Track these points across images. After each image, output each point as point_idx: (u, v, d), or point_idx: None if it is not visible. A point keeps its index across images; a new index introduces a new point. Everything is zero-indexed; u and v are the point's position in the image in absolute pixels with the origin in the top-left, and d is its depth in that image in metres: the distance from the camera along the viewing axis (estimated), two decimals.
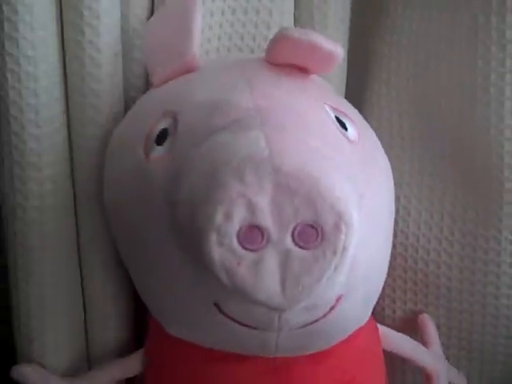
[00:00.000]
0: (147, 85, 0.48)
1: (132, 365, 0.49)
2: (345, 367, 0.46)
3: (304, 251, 0.33)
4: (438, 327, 0.55)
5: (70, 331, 0.50)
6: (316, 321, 0.39)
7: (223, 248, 0.33)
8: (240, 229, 0.33)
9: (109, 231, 0.47)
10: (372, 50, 0.52)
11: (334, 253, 0.33)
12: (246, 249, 0.33)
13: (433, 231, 0.53)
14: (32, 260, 0.47)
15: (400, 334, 0.52)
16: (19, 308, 0.48)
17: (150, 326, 0.48)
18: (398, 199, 0.52)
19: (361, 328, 0.45)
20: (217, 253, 0.33)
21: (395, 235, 0.53)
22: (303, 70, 0.42)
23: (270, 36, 0.42)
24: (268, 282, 0.34)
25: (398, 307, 0.56)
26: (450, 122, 0.50)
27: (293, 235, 0.33)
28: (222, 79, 0.41)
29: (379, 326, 0.51)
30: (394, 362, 0.56)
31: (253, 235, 0.33)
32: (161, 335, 0.46)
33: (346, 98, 0.48)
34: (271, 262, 0.33)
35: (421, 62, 0.49)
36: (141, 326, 0.53)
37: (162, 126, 0.40)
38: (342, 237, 0.33)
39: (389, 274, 0.54)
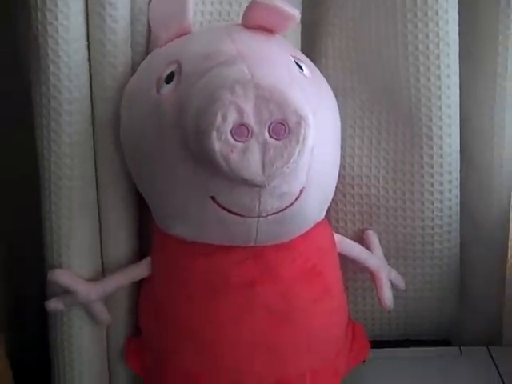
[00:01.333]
0: (146, 52, 0.61)
1: (141, 269, 0.62)
2: (307, 256, 0.60)
3: (277, 141, 0.48)
4: (380, 241, 0.69)
5: (90, 246, 0.63)
6: (286, 208, 0.53)
7: (221, 142, 0.47)
8: (233, 127, 0.47)
9: (122, 163, 0.60)
10: (320, 17, 0.67)
11: (297, 141, 0.48)
12: (236, 141, 0.48)
13: (372, 162, 0.68)
14: (63, 186, 0.60)
15: (350, 240, 0.67)
16: (51, 227, 0.61)
17: (155, 234, 0.61)
18: (343, 139, 0.65)
19: (320, 228, 0.60)
20: (217, 145, 0.47)
21: (344, 168, 0.68)
22: (269, 31, 0.56)
23: (243, 1, 0.58)
24: (252, 164, 0.48)
25: (349, 228, 0.70)
26: (380, 72, 0.64)
27: (269, 130, 0.48)
28: (211, 37, 0.56)
29: (335, 233, 0.65)
30: (347, 270, 0.70)
31: (241, 131, 0.47)
32: (163, 240, 0.60)
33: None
34: (254, 149, 0.48)
35: (357, 27, 0.64)
36: (146, 245, 0.66)
37: (169, 70, 0.54)
38: (302, 130, 0.48)
39: (341, 201, 0.69)
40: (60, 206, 0.61)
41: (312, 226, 0.58)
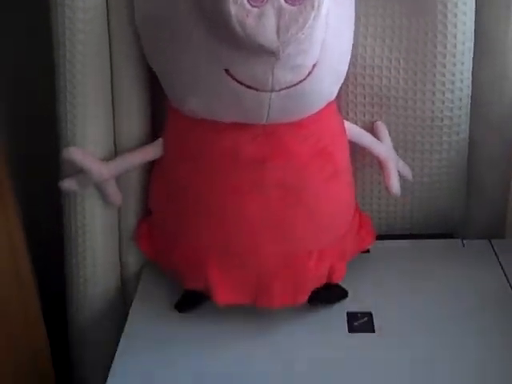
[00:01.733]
0: None
1: (153, 150, 0.63)
2: (319, 136, 0.60)
3: (292, 7, 0.48)
4: (389, 133, 0.69)
5: (104, 126, 0.63)
6: (299, 83, 0.53)
7: (237, 6, 0.47)
8: None
9: (135, 38, 0.60)
10: None
11: (312, 7, 0.48)
12: (252, 5, 0.48)
13: (385, 52, 0.67)
14: (77, 62, 0.60)
15: (360, 128, 0.67)
16: (66, 107, 0.61)
17: (168, 115, 0.62)
18: (357, 28, 0.65)
19: (330, 111, 0.61)
20: (233, 9, 0.48)
21: (355, 58, 0.68)
22: None
23: None
24: (267, 29, 0.48)
25: (359, 119, 0.70)
26: None
27: None
28: None
29: (345, 121, 0.66)
30: (355, 160, 0.71)
31: None
32: (176, 119, 0.61)
33: None
34: (270, 14, 0.48)
35: None
36: (158, 127, 0.67)
37: None
38: None
39: (352, 92, 0.69)
40: (74, 84, 0.60)
41: (323, 105, 0.58)
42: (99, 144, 0.63)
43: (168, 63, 0.57)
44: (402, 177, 0.69)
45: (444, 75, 0.66)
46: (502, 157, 0.71)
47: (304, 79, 0.53)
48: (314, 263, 0.61)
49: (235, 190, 0.59)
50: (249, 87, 0.53)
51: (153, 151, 0.63)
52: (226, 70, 0.53)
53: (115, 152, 0.65)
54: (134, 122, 0.65)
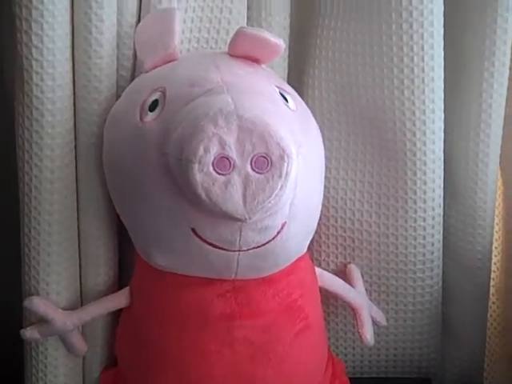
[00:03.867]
0: (133, 76, 0.61)
1: (120, 299, 0.61)
2: (289, 291, 0.59)
3: (259, 175, 0.47)
4: (362, 275, 0.68)
5: (69, 274, 0.62)
6: (267, 242, 0.52)
7: (203, 173, 0.47)
8: (214, 159, 0.47)
9: (104, 189, 0.59)
10: (306, 51, 0.67)
11: (280, 176, 0.47)
12: (218, 173, 0.47)
13: (356, 196, 0.67)
14: (43, 211, 0.59)
15: (332, 274, 0.66)
16: (30, 253, 0.60)
17: (137, 266, 0.60)
18: (328, 170, 0.66)
19: (301, 263, 0.59)
20: (199, 177, 0.47)
21: (328, 201, 0.68)
22: (255, 61, 0.56)
23: (230, 30, 0.57)
24: (233, 197, 0.47)
25: (331, 261, 0.69)
26: (366, 106, 0.64)
27: (251, 163, 0.47)
28: (197, 64, 0.55)
29: (316, 267, 0.64)
30: (328, 304, 0.69)
31: (223, 163, 0.47)
32: (145, 272, 0.59)
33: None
34: (236, 182, 0.47)
35: (343, 60, 0.64)
36: (125, 273, 0.65)
37: (153, 97, 0.53)
38: (285, 164, 0.47)
39: (324, 233, 0.68)
40: (39, 232, 0.60)
41: (294, 260, 0.57)
42: (63, 285, 0.61)
43: (133, 217, 0.56)
44: (375, 323, 0.67)
45: (415, 220, 0.66)
46: (477, 302, 0.70)
47: (273, 239, 0.52)
48: None
49: (201, 349, 0.57)
50: (216, 247, 0.52)
51: (119, 300, 0.61)
52: (193, 230, 0.51)
53: (81, 301, 0.63)
54: (101, 270, 0.63)
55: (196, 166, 0.47)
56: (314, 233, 0.59)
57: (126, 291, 0.61)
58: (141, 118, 0.53)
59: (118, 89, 0.60)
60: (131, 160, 0.53)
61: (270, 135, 0.47)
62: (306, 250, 0.58)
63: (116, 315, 0.64)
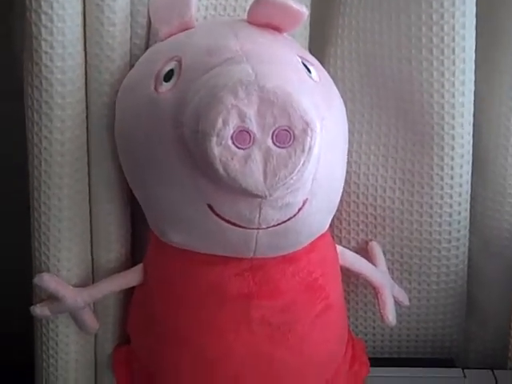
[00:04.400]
0: (147, 45, 0.58)
1: (132, 276, 0.59)
2: (310, 269, 0.56)
3: (280, 149, 0.44)
4: (384, 254, 0.66)
5: (80, 250, 0.60)
6: (288, 220, 0.50)
7: (221, 147, 0.44)
8: (234, 132, 0.44)
9: (116, 162, 0.57)
10: (329, 19, 0.63)
11: (303, 150, 0.44)
12: (237, 147, 0.44)
13: (379, 171, 0.64)
14: (53, 185, 0.56)
15: (353, 253, 0.64)
16: (40, 229, 0.58)
17: (150, 242, 0.58)
18: (351, 144, 0.63)
19: (322, 241, 0.57)
20: (217, 150, 0.44)
21: (349, 176, 0.65)
22: (276, 29, 0.53)
23: (247, 7, 0.53)
24: (254, 173, 0.44)
25: (352, 238, 0.67)
26: (391, 78, 0.61)
27: (272, 137, 0.44)
28: (214, 32, 0.52)
29: (337, 245, 0.62)
30: (349, 283, 0.67)
31: (243, 137, 0.44)
32: (159, 248, 0.57)
33: None
34: (256, 157, 0.44)
35: (367, 29, 0.61)
36: (138, 249, 0.63)
37: (168, 67, 0.50)
38: (308, 138, 0.44)
39: (345, 210, 0.66)
40: (50, 207, 0.57)
41: (316, 237, 0.54)
42: (74, 261, 0.59)
43: (146, 191, 0.53)
44: (397, 302, 0.65)
45: (442, 197, 0.63)
46: (504, 282, 0.67)
47: (294, 216, 0.50)
48: None
49: (218, 328, 0.55)
50: (233, 224, 0.49)
51: (132, 278, 0.59)
52: (209, 206, 0.49)
53: (92, 278, 0.61)
54: (113, 247, 0.61)
55: (214, 139, 0.44)
56: (336, 209, 0.56)
57: (138, 268, 0.59)
58: (155, 89, 0.50)
59: (131, 58, 0.57)
60: (144, 132, 0.50)
61: (292, 107, 0.44)
62: (327, 226, 0.56)
63: (129, 292, 0.62)
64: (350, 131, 0.58)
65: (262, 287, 0.54)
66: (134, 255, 0.63)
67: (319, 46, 0.64)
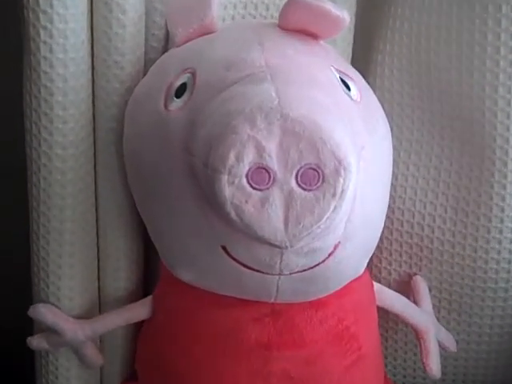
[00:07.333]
0: (165, 47, 0.51)
1: (141, 310, 0.53)
2: (340, 316, 0.49)
3: (306, 192, 0.37)
4: (430, 290, 0.58)
5: (84, 278, 0.53)
6: (315, 266, 0.42)
7: (233, 186, 0.37)
8: (249, 169, 0.36)
9: (125, 181, 0.50)
10: (377, 21, 0.55)
11: (334, 194, 0.37)
12: (253, 188, 0.37)
13: (428, 197, 0.56)
14: (53, 206, 0.50)
15: (393, 291, 0.56)
16: (38, 253, 0.52)
17: (162, 273, 0.51)
18: (396, 165, 0.56)
19: (357, 282, 0.49)
20: (228, 191, 0.37)
21: (393, 201, 0.57)
22: (312, 36, 0.45)
23: (281, 6, 0.45)
24: (272, 219, 0.37)
25: (393, 269, 0.59)
26: (447, 92, 0.53)
27: (296, 177, 0.37)
28: (237, 40, 0.44)
29: (374, 283, 0.54)
30: (388, 320, 0.59)
31: (260, 176, 0.37)
32: (170, 282, 0.50)
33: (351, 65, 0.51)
34: (276, 201, 0.37)
35: (422, 34, 0.52)
36: (150, 278, 0.57)
37: (181, 81, 0.43)
38: (341, 180, 0.36)
39: (386, 238, 0.58)
40: (49, 230, 0.51)
41: (348, 282, 0.47)
42: (76, 290, 0.53)
43: (154, 223, 0.46)
44: (443, 348, 0.57)
45: (501, 231, 0.55)
46: None
47: (323, 261, 0.42)
48: None
49: (232, 379, 0.48)
50: (251, 269, 0.42)
51: (140, 312, 0.53)
52: (223, 247, 0.42)
53: (99, 308, 0.55)
54: (122, 275, 0.54)
55: (225, 177, 0.36)
56: (375, 247, 0.48)
57: (148, 301, 0.52)
58: (165, 105, 0.43)
59: (146, 62, 0.50)
60: (152, 156, 0.43)
61: (322, 141, 0.36)
62: (363, 270, 0.48)
63: (138, 324, 0.55)
64: (395, 149, 0.50)
65: (284, 336, 0.47)
66: (147, 283, 0.57)
67: (363, 51, 0.56)
